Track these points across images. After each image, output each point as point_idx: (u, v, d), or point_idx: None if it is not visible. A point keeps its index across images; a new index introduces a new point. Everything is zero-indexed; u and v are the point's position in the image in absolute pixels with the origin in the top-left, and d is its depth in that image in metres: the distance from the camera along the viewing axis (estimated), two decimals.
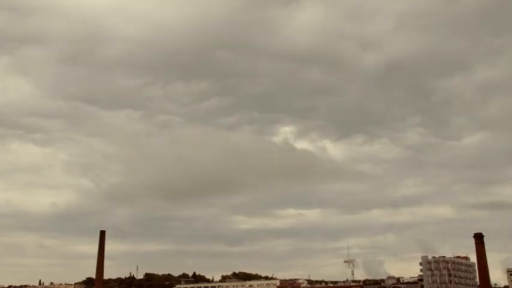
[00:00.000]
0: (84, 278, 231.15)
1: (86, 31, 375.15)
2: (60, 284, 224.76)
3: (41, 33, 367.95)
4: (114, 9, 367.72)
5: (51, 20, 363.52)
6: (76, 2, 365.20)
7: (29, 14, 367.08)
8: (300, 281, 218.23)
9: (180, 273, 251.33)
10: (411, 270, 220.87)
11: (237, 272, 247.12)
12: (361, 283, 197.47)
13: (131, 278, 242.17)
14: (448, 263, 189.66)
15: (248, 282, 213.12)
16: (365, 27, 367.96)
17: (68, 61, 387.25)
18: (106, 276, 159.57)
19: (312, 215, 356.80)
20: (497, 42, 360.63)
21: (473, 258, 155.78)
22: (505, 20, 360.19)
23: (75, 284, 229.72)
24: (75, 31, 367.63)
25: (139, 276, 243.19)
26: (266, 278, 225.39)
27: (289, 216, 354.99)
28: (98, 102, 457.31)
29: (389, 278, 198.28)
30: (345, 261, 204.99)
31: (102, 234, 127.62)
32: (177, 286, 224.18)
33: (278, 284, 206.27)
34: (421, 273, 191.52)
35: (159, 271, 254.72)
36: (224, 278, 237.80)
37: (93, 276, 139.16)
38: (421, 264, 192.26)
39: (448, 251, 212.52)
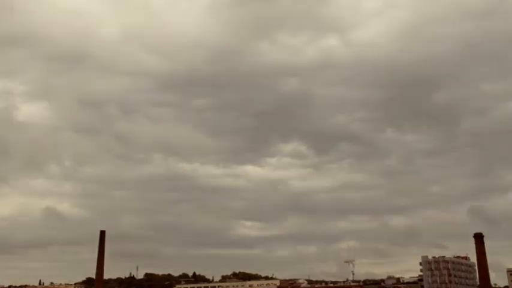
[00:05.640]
0: (84, 278, 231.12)
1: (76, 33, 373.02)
2: (60, 284, 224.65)
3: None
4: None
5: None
6: (67, 2, 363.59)
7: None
8: (300, 281, 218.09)
9: (180, 273, 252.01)
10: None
11: (237, 272, 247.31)
12: (361, 283, 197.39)
13: (131, 278, 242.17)
14: (448, 263, 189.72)
15: (248, 282, 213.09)
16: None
17: None
18: (106, 276, 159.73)
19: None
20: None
21: (473, 258, 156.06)
22: None
23: (75, 284, 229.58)
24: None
25: (140, 276, 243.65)
26: (266, 278, 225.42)
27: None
28: None
29: (389, 278, 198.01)
30: (345, 262, 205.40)
31: (102, 234, 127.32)
32: (177, 286, 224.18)
33: (278, 284, 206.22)
34: (421, 273, 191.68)
35: (159, 271, 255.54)
36: (224, 278, 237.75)
37: (93, 276, 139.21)
38: (421, 264, 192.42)
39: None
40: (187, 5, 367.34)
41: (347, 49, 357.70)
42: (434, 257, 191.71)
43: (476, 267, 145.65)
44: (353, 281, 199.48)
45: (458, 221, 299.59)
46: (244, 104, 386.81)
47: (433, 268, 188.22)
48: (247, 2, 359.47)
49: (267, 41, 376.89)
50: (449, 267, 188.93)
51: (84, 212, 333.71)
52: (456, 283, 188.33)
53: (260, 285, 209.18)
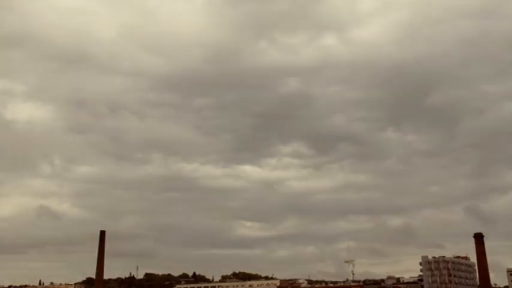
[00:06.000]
0: (84, 278, 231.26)
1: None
2: (60, 284, 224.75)
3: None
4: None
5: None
6: (66, 2, 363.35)
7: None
8: (300, 281, 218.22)
9: (180, 273, 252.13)
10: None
11: (237, 272, 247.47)
12: (361, 283, 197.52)
13: (131, 278, 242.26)
14: (448, 263, 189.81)
15: (248, 282, 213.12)
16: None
17: None
18: (106, 276, 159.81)
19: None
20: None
21: (473, 258, 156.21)
22: None
23: (75, 284, 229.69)
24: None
25: (140, 276, 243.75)
26: (266, 278, 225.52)
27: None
28: None
29: (390, 278, 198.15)
30: (345, 262, 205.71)
31: (102, 234, 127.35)
32: (177, 286, 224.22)
33: (278, 284, 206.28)
34: (421, 273, 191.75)
35: (159, 271, 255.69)
36: (224, 278, 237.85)
37: (93, 276, 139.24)
38: (421, 264, 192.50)
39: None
40: (186, 4, 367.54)
41: (346, 48, 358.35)
42: (434, 257, 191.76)
43: (476, 267, 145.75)
44: (353, 281, 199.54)
45: (458, 221, 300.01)
46: (244, 104, 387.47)
47: (433, 268, 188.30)
48: (245, 1, 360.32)
49: (266, 40, 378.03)
50: (449, 267, 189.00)
51: (84, 212, 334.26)
52: (456, 283, 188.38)
53: (260, 285, 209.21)
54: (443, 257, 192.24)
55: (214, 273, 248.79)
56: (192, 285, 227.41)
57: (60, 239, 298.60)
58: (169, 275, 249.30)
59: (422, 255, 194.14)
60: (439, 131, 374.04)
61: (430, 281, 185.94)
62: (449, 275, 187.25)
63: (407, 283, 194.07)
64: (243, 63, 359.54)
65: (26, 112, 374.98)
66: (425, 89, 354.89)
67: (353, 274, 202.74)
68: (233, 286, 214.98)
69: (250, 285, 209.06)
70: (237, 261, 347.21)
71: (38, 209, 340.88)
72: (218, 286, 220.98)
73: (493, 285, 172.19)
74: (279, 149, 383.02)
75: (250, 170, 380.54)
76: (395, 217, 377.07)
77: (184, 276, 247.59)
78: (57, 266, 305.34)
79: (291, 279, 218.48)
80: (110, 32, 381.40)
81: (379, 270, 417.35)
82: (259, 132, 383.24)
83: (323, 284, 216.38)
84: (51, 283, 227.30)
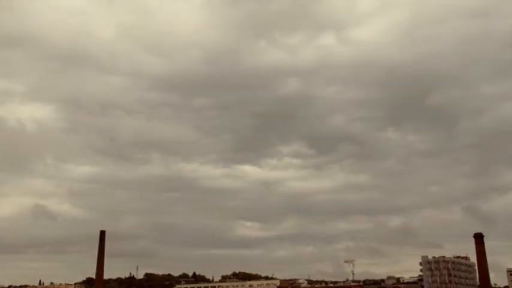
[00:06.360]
0: (84, 278, 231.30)
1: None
2: (60, 284, 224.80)
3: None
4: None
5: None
6: (66, 2, 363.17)
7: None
8: (300, 281, 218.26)
9: (180, 273, 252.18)
10: None
11: (237, 272, 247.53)
12: (361, 283, 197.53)
13: (131, 278, 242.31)
14: (448, 263, 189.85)
15: (248, 282, 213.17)
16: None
17: None
18: (106, 276, 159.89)
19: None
20: None
21: (473, 258, 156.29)
22: None
23: (75, 284, 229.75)
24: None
25: (140, 276, 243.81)
26: (266, 278, 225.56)
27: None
28: None
29: (389, 278, 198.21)
30: (345, 261, 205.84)
31: (102, 234, 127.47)
32: (177, 286, 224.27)
33: (278, 284, 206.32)
34: (421, 273, 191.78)
35: (159, 271, 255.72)
36: (224, 278, 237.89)
37: (93, 276, 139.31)
38: (421, 264, 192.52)
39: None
40: (186, 4, 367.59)
41: (346, 48, 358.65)
42: (434, 257, 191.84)
43: (476, 267, 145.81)
44: (353, 281, 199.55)
45: (458, 221, 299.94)
46: (244, 104, 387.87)
47: (433, 268, 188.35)
48: (245, 1, 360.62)
49: (266, 40, 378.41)
50: (449, 267, 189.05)
51: (84, 212, 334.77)
52: (456, 283, 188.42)
53: (260, 285, 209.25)
54: (443, 257, 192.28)
55: (214, 273, 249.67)
56: (192, 285, 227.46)
57: (60, 239, 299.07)
58: (169, 275, 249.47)
59: (422, 255, 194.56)
60: (439, 131, 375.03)
61: (430, 281, 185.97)
62: (449, 275, 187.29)
63: (407, 283, 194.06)
64: (243, 63, 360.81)
65: (26, 112, 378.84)
66: (425, 89, 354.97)
67: (353, 274, 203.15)
68: (233, 286, 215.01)
69: (250, 285, 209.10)
70: (237, 261, 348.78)
71: (37, 209, 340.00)
72: (218, 286, 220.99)
73: (493, 285, 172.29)
74: (279, 149, 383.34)
75: (250, 170, 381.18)
76: (395, 217, 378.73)
77: (184, 276, 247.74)
78: (57, 266, 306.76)
79: (291, 279, 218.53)
80: (109, 31, 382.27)
81: (379, 270, 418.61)
82: (259, 132, 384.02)
83: (323, 284, 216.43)
84: (51, 283, 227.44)
